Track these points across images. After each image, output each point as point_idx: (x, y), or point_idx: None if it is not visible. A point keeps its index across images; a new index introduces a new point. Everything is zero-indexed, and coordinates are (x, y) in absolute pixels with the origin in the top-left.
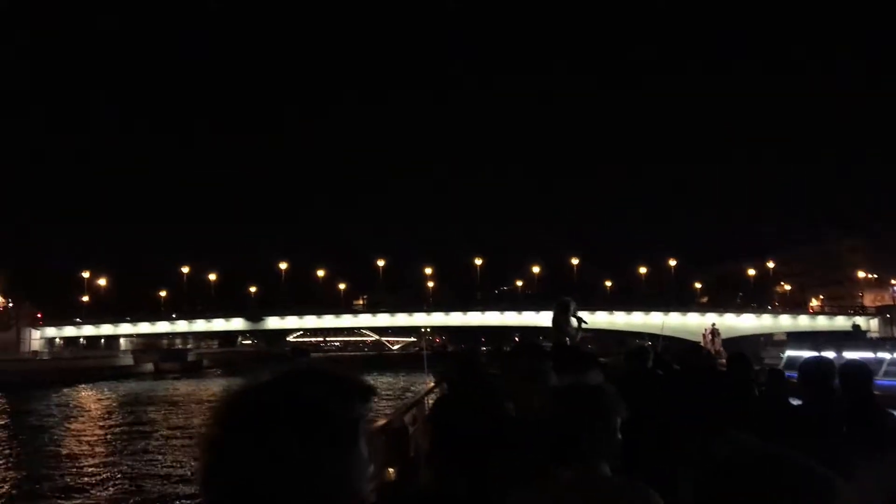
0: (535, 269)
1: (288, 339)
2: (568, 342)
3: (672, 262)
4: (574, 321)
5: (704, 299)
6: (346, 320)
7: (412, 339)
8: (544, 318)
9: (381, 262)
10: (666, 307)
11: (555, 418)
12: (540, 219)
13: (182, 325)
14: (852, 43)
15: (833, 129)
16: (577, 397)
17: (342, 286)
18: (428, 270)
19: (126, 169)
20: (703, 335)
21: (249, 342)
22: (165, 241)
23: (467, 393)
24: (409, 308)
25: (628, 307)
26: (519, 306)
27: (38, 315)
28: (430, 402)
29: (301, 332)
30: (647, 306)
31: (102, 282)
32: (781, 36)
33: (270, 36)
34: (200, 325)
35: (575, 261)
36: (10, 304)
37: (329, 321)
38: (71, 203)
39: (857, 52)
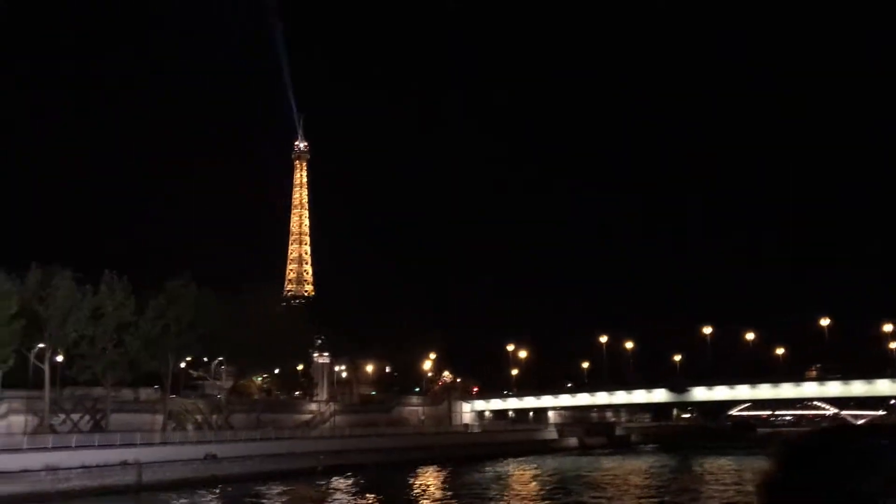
0: None
1: (729, 412)
2: None
3: None
4: None
5: None
6: (786, 390)
7: (881, 412)
8: None
9: (824, 322)
10: None
11: None
12: None
13: (602, 398)
14: None
15: None
16: None
17: (779, 351)
18: (887, 328)
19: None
20: None
21: (688, 416)
22: (582, 311)
23: None
24: (870, 374)
25: None
26: None
27: (475, 389)
28: None
29: (746, 406)
30: None
31: (523, 354)
32: None
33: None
34: (621, 397)
35: None
36: (458, 380)
37: (765, 391)
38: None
39: None
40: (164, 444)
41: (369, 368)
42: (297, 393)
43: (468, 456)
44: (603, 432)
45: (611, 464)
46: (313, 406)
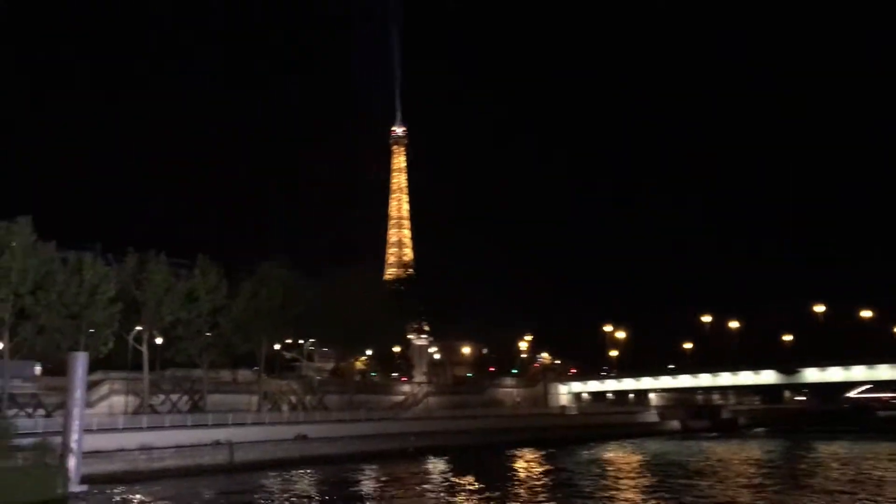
0: None
1: (847, 395)
2: None
3: None
4: None
5: None
6: None
7: None
8: None
9: None
10: None
11: None
12: None
13: (705, 379)
14: None
15: None
16: None
17: None
18: None
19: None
20: None
21: (802, 398)
22: (683, 290)
23: None
24: None
25: None
26: None
27: (572, 370)
28: None
29: (867, 388)
30: None
31: (622, 335)
32: None
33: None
34: (725, 379)
35: None
36: (557, 362)
37: (883, 372)
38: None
39: None
40: (255, 424)
41: (466, 350)
42: (394, 375)
43: (564, 438)
44: (707, 415)
45: (714, 448)
46: (406, 387)
